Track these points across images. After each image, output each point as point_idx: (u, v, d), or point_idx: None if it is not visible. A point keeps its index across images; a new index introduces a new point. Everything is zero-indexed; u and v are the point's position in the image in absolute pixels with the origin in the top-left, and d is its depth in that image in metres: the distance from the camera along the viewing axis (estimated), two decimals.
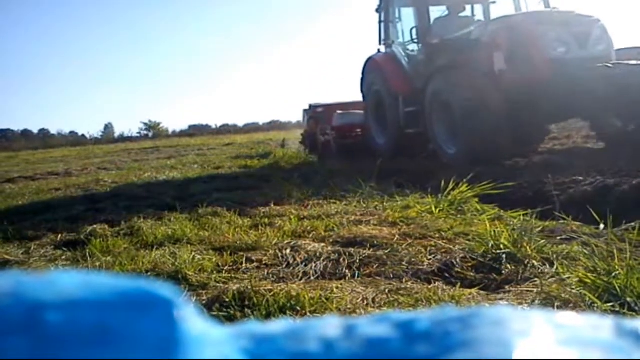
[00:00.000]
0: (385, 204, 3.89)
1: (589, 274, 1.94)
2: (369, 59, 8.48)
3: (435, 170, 5.66)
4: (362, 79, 8.72)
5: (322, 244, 2.84)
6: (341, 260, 2.53)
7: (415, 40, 7.43)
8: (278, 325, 0.28)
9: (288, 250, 2.71)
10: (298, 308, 1.92)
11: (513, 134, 5.72)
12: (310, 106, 10.35)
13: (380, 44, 8.38)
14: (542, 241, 2.50)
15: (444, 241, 2.74)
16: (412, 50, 7.80)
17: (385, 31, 8.21)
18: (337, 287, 2.13)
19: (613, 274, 1.87)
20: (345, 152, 8.42)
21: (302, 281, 2.30)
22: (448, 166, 5.67)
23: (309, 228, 3.26)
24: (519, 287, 2.08)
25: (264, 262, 2.63)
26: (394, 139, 7.69)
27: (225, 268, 2.58)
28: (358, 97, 9.51)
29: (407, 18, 7.87)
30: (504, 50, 5.86)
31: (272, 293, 2.01)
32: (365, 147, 8.33)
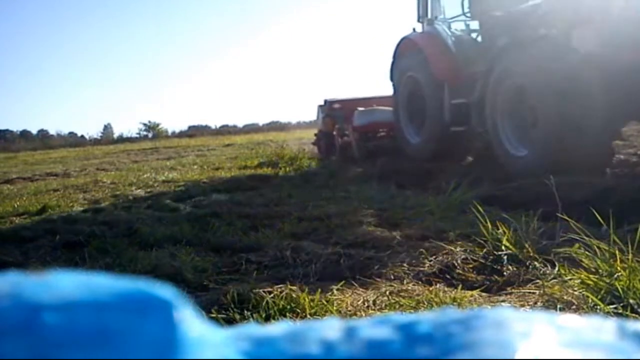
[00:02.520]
0: (386, 204, 3.89)
1: (591, 276, 1.94)
2: (403, 40, 6.94)
3: (436, 170, 5.66)
4: (393, 65, 7.21)
5: (322, 245, 2.84)
6: (341, 261, 2.53)
7: (468, 15, 6.06)
8: (278, 328, 0.28)
9: (288, 252, 2.71)
10: (298, 310, 1.92)
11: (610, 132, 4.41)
12: (326, 102, 8.86)
13: (418, 20, 6.95)
14: (544, 243, 2.50)
15: (445, 242, 2.74)
16: (456, 29, 6.54)
17: (424, 6, 6.78)
18: (337, 289, 2.13)
19: (615, 276, 1.86)
20: (369, 155, 7.16)
21: (302, 283, 2.30)
22: (518, 172, 4.40)
23: (309, 229, 3.26)
24: (521, 288, 2.08)
25: (263, 264, 2.63)
26: (435, 138, 6.25)
27: (225, 269, 2.58)
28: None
29: None
30: (595, 26, 4.39)
31: (271, 295, 2.00)
32: (394, 148, 7.08)
